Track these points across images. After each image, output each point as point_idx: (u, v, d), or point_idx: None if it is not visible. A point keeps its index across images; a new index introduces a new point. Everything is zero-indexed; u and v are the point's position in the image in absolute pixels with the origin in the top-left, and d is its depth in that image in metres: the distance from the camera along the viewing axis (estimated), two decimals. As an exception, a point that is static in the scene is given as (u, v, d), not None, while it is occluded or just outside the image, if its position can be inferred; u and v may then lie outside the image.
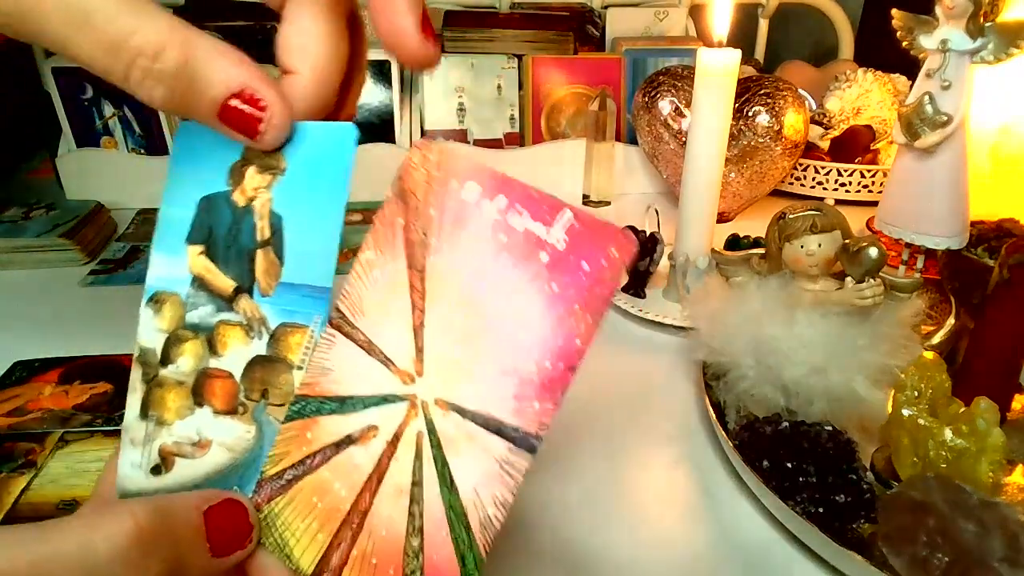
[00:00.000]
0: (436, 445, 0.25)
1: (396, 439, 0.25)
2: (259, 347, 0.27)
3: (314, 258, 0.27)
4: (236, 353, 0.28)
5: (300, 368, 0.27)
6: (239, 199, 0.28)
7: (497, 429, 0.24)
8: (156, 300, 0.28)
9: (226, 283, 0.28)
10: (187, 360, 0.28)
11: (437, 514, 0.24)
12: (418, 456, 0.25)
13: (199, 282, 0.28)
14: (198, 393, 0.28)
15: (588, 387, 0.56)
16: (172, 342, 0.28)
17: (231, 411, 0.28)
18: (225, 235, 0.28)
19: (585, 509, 0.44)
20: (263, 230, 0.28)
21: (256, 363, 0.27)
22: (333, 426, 0.26)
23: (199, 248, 0.28)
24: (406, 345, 0.25)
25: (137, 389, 0.28)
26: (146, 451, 0.28)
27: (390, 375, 0.26)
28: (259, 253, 0.28)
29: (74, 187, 0.88)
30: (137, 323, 0.28)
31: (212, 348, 0.28)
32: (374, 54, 0.89)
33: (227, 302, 0.28)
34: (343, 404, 0.26)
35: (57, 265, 0.74)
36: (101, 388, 0.55)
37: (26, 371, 0.57)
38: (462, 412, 0.24)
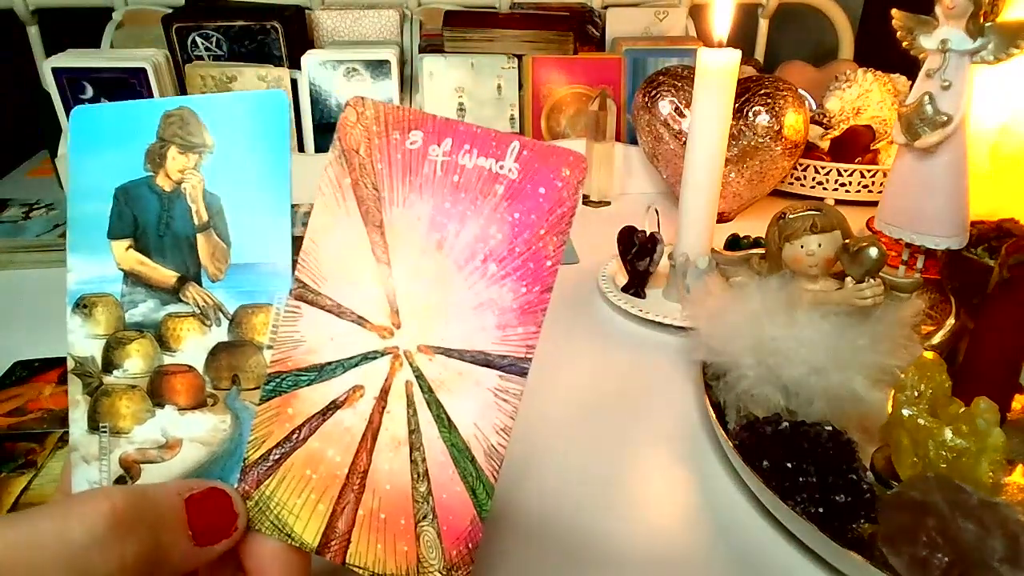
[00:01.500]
0: (427, 390, 0.25)
1: (385, 393, 0.25)
2: (219, 334, 0.27)
3: (266, 234, 0.26)
4: (193, 344, 0.27)
5: (270, 347, 0.26)
6: (164, 184, 0.26)
7: (485, 361, 0.24)
8: (84, 305, 0.27)
9: (166, 275, 0.27)
10: (135, 362, 0.27)
11: (440, 456, 0.25)
12: (410, 404, 0.25)
13: (133, 278, 0.27)
14: (156, 394, 0.27)
15: (588, 387, 0.56)
16: (113, 346, 0.27)
17: (199, 405, 0.27)
18: (155, 224, 0.26)
19: (585, 509, 0.44)
20: (199, 213, 0.26)
21: (220, 350, 0.27)
22: (315, 395, 0.26)
23: (126, 242, 0.27)
24: (378, 300, 0.25)
25: (80, 403, 0.27)
26: (103, 465, 0.27)
27: (366, 333, 0.26)
28: (200, 238, 0.26)
29: (74, 187, 0.88)
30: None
31: (164, 344, 0.27)
32: (374, 53, 0.89)
33: (172, 294, 0.27)
34: (321, 372, 0.26)
35: (57, 265, 0.74)
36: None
37: (26, 371, 0.57)
38: (447, 353, 0.25)
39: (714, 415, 0.48)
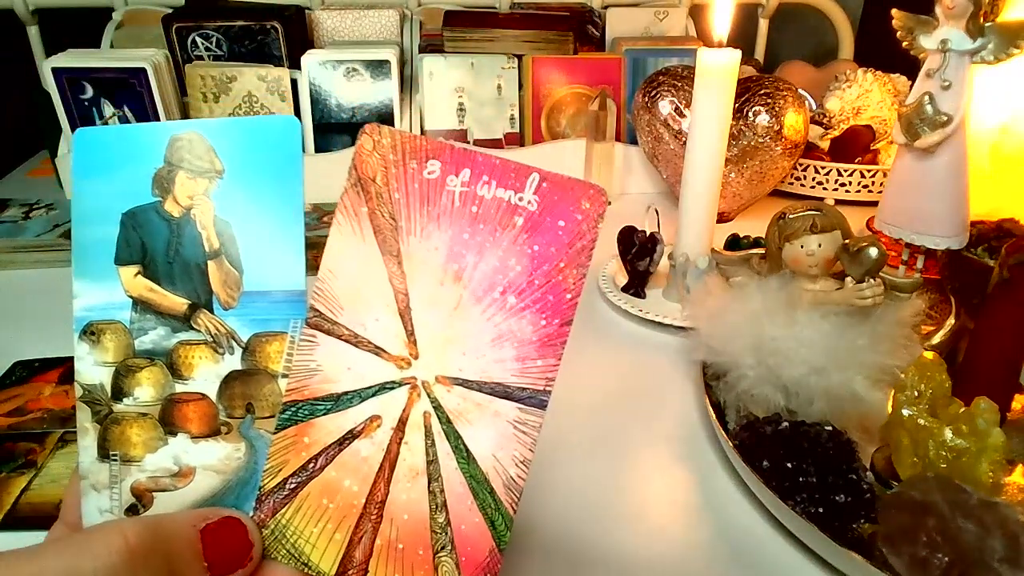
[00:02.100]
0: (445, 421, 0.25)
1: (403, 424, 0.25)
2: (232, 362, 0.26)
3: (279, 261, 0.26)
4: (206, 373, 0.26)
5: (285, 376, 0.26)
6: (173, 209, 0.26)
7: (504, 393, 0.24)
8: (91, 332, 0.26)
9: (176, 302, 0.26)
10: (146, 390, 0.26)
11: (458, 488, 0.25)
12: (428, 435, 0.25)
13: (142, 305, 0.26)
14: (167, 422, 0.26)
15: (588, 387, 0.56)
16: (123, 373, 0.27)
17: (212, 433, 0.26)
18: (164, 250, 0.26)
19: (585, 509, 0.44)
20: (210, 240, 0.26)
21: (233, 379, 0.26)
22: (331, 425, 0.26)
23: (134, 268, 0.26)
24: (395, 330, 0.25)
25: (89, 430, 0.27)
26: (114, 493, 0.27)
27: (384, 363, 0.25)
28: (211, 265, 0.26)
29: (74, 187, 0.88)
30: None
31: (176, 372, 0.26)
32: (374, 53, 0.89)
33: (183, 321, 0.26)
34: (338, 401, 0.26)
35: (57, 265, 0.74)
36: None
37: (26, 371, 0.57)
38: (466, 384, 0.25)
39: (714, 415, 0.48)
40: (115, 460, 0.27)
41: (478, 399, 0.25)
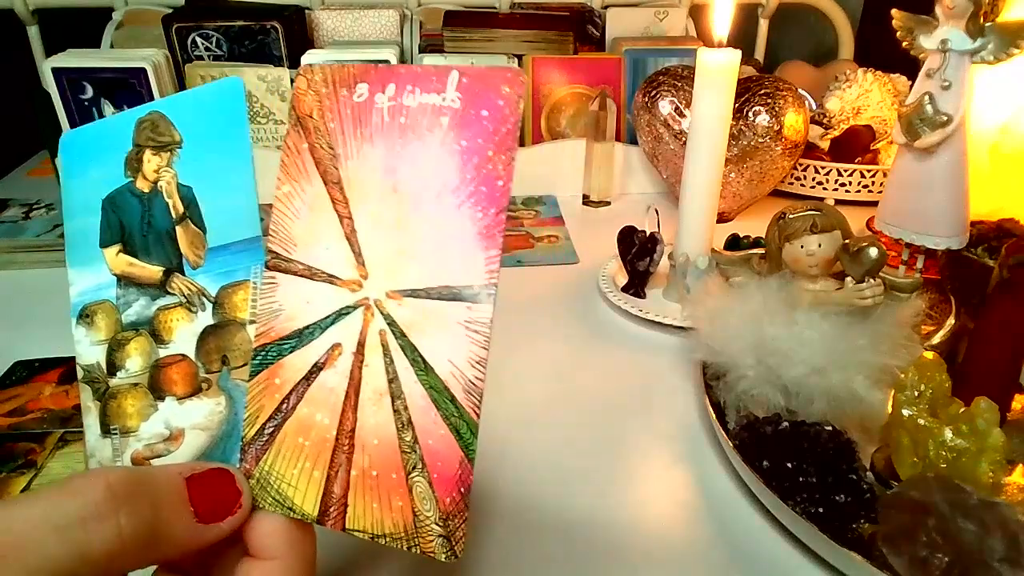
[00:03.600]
0: (400, 335, 0.25)
1: (361, 347, 0.25)
2: (205, 318, 0.27)
3: (236, 214, 0.27)
4: (184, 333, 0.27)
5: (253, 322, 0.26)
6: (143, 186, 0.27)
7: (451, 295, 0.24)
8: (85, 315, 0.28)
9: (153, 271, 0.27)
10: (135, 360, 0.27)
11: (421, 401, 0.24)
12: (386, 353, 0.25)
13: (125, 280, 0.28)
14: (156, 388, 0.27)
15: (588, 387, 0.56)
16: (115, 348, 0.28)
17: (195, 391, 0.27)
18: (139, 225, 0.27)
19: (585, 509, 0.44)
20: (176, 206, 0.27)
21: (207, 334, 0.27)
22: (298, 361, 0.26)
23: (115, 248, 0.28)
24: (344, 256, 0.25)
25: (92, 409, 0.28)
26: (118, 466, 0.27)
27: (338, 290, 0.26)
28: (179, 229, 0.27)
29: (74, 187, 0.88)
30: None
31: (158, 338, 0.27)
32: (374, 53, 0.89)
33: (159, 288, 0.27)
34: (301, 337, 0.26)
35: (57, 265, 0.74)
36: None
37: (26, 371, 0.57)
38: (414, 294, 0.25)
39: (714, 415, 0.48)
40: (115, 434, 0.28)
41: (428, 307, 0.25)
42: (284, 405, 0.26)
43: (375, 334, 0.25)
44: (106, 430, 0.27)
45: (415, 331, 0.25)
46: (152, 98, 0.86)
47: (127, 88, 0.86)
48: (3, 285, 0.71)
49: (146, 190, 0.27)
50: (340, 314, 0.25)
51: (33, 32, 1.03)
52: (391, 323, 0.25)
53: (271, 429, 0.26)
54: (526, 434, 0.50)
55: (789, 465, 0.42)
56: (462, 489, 0.24)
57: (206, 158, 0.27)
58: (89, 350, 0.28)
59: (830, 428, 0.43)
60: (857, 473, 0.41)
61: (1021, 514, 0.36)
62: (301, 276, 0.26)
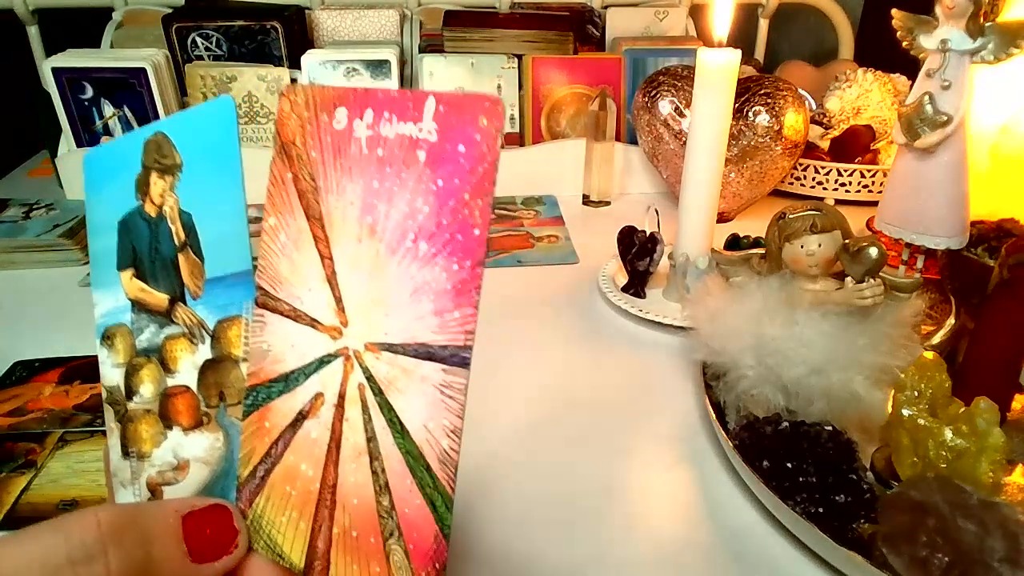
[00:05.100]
0: (378, 392, 0.23)
1: (342, 399, 0.24)
2: (204, 351, 0.26)
3: (228, 244, 0.25)
4: (187, 364, 0.27)
5: (245, 360, 0.25)
6: (151, 209, 0.26)
7: (427, 354, 0.22)
8: (107, 336, 0.28)
9: (160, 298, 0.27)
10: (148, 387, 0.27)
11: (397, 465, 0.23)
12: (365, 410, 0.23)
13: (138, 305, 0.27)
14: (165, 416, 0.27)
15: (588, 387, 0.56)
16: (131, 373, 0.27)
17: (197, 424, 0.26)
18: (148, 250, 0.27)
19: (585, 509, 0.44)
20: (178, 233, 0.26)
21: (207, 368, 0.26)
22: (284, 407, 0.24)
23: (129, 272, 0.27)
24: (326, 300, 0.24)
25: (114, 430, 0.28)
26: (135, 488, 0.27)
27: (320, 336, 0.24)
28: (180, 257, 0.26)
29: (74, 187, 0.88)
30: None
31: (165, 367, 0.27)
32: (374, 53, 0.89)
33: (166, 316, 0.27)
34: (287, 381, 0.24)
35: (57, 265, 0.74)
36: (101, 388, 0.55)
37: (26, 371, 0.57)
38: (391, 348, 0.23)
39: (714, 415, 0.48)
40: (133, 456, 0.27)
41: (404, 364, 0.23)
42: (273, 450, 0.25)
43: (355, 387, 0.24)
44: (125, 452, 0.27)
45: (392, 389, 0.23)
46: (152, 98, 0.86)
47: (127, 88, 0.86)
48: (3, 285, 0.71)
49: (153, 214, 0.27)
50: (322, 362, 0.24)
51: (33, 32, 1.03)
52: (369, 377, 0.23)
53: (263, 472, 0.25)
54: (526, 434, 0.50)
55: (789, 465, 0.42)
56: (437, 565, 0.22)
57: (201, 182, 0.26)
58: (111, 372, 0.28)
59: (830, 428, 0.43)
60: (857, 473, 0.41)
61: (1021, 514, 0.36)
62: (287, 317, 0.24)
